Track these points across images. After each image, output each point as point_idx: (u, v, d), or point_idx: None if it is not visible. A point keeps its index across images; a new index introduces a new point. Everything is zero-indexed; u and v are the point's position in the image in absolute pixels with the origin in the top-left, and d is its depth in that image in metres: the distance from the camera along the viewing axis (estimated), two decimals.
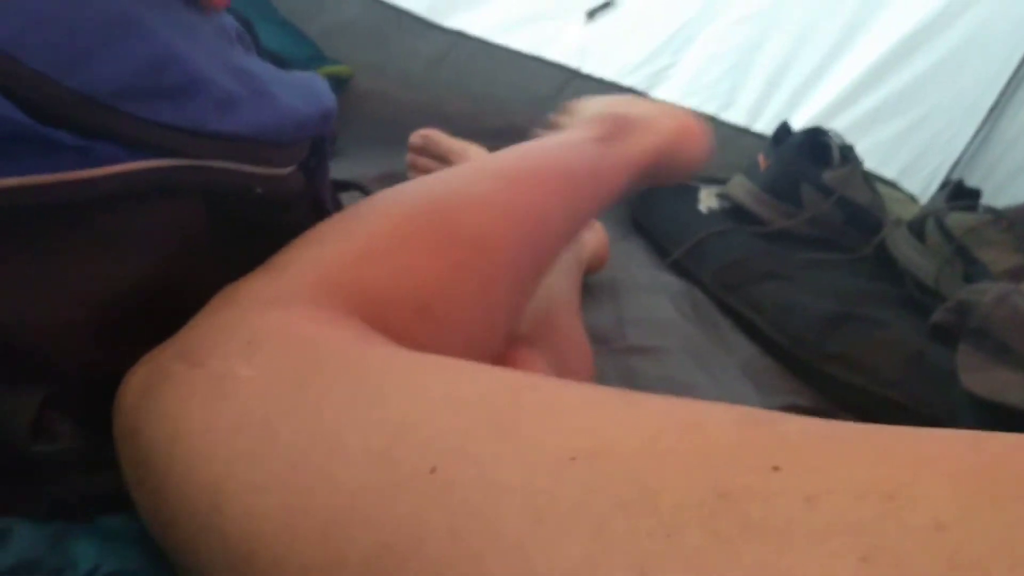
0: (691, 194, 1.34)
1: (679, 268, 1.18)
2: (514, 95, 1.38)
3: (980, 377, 0.88)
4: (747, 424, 0.24)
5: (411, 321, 0.41)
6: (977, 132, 1.67)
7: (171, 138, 0.37)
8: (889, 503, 0.19)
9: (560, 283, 0.79)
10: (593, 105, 0.79)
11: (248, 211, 0.44)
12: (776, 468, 0.21)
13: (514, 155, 0.59)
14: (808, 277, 1.14)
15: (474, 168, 0.58)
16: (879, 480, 0.20)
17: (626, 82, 1.46)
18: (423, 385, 0.30)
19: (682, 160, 0.77)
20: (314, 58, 1.18)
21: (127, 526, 0.37)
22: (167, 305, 0.40)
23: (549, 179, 0.56)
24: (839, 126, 1.39)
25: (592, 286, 0.99)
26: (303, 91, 0.46)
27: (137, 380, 0.35)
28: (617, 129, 0.68)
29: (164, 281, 0.39)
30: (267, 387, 0.31)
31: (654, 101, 0.75)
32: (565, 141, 0.65)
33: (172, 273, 0.40)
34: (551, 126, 0.82)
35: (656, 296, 1.04)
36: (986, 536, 0.17)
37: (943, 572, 0.17)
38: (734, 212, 1.30)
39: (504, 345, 0.52)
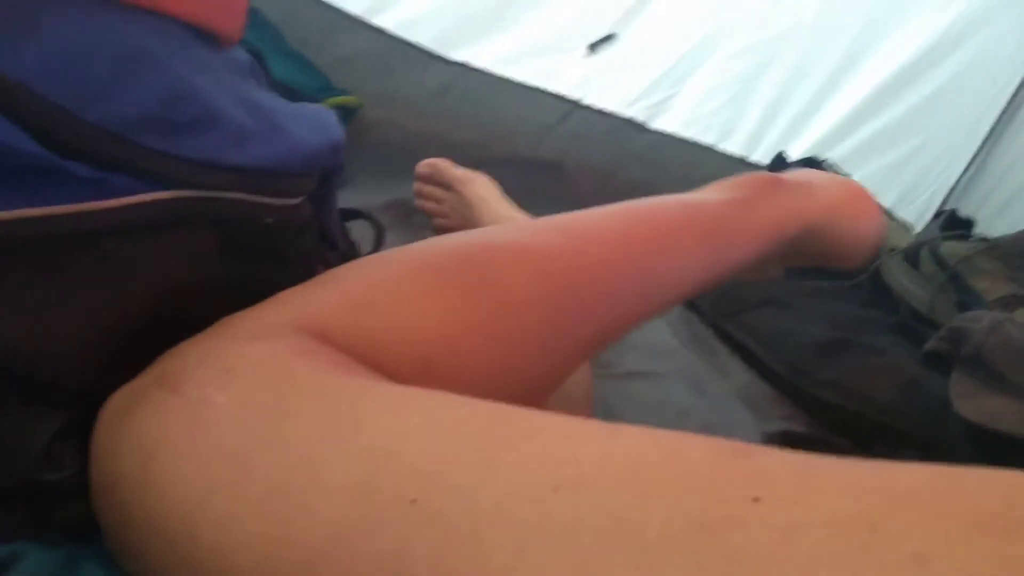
0: None
1: None
2: (518, 125, 1.39)
3: (973, 404, 0.89)
4: (727, 455, 0.24)
5: (409, 372, 0.38)
6: (971, 162, 1.68)
7: (186, 170, 0.38)
8: (869, 535, 0.19)
9: None
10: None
11: (258, 240, 0.45)
12: (756, 499, 0.21)
13: (595, 212, 0.50)
14: (804, 304, 1.14)
15: (530, 222, 0.50)
16: (859, 512, 0.20)
17: (627, 113, 1.48)
18: (401, 413, 0.29)
19: (846, 235, 0.67)
20: (323, 88, 1.20)
21: None
22: (177, 333, 0.41)
23: (623, 237, 0.49)
24: (835, 156, 1.41)
25: None
26: (313, 124, 0.47)
27: (115, 402, 0.34)
28: (763, 190, 0.61)
29: (174, 309, 0.40)
30: (243, 415, 0.30)
31: (825, 172, 0.69)
32: (684, 200, 0.56)
33: (182, 301, 0.41)
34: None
35: (654, 322, 1.05)
36: (962, 569, 0.18)
37: None
38: None
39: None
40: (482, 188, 1.04)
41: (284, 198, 0.44)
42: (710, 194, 0.59)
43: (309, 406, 0.30)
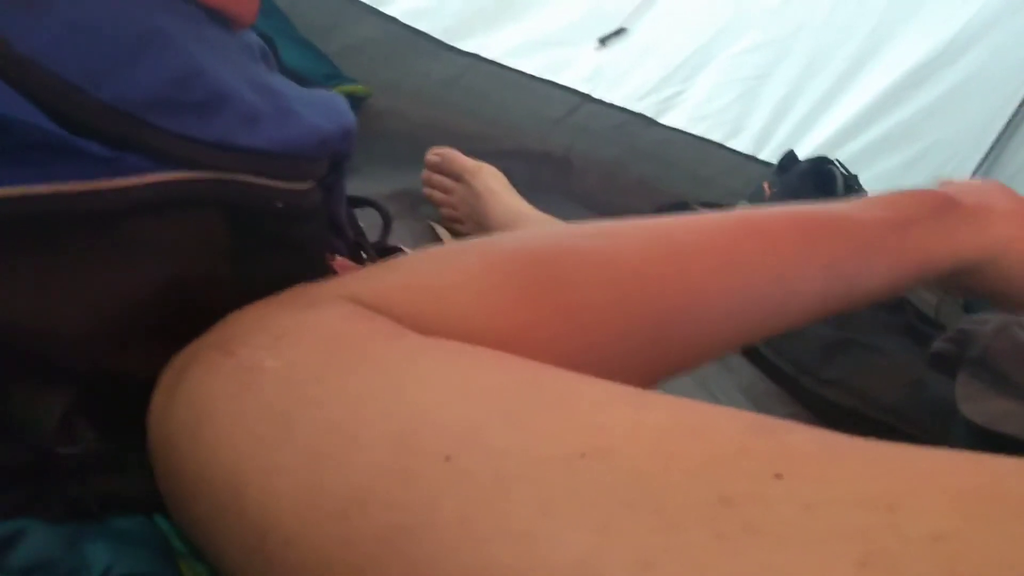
0: None
1: None
2: (526, 117, 1.39)
3: (979, 406, 0.89)
4: (752, 432, 0.25)
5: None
6: (980, 165, 1.68)
7: (198, 151, 0.38)
8: (889, 513, 0.20)
9: None
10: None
11: (267, 224, 0.45)
12: (778, 476, 0.22)
13: (701, 220, 0.46)
14: None
15: (614, 226, 0.46)
16: (880, 491, 0.20)
17: (636, 107, 1.47)
18: (441, 374, 0.30)
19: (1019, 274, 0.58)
20: (331, 76, 1.19)
21: (140, 528, 0.38)
22: (186, 314, 0.41)
23: (726, 254, 0.44)
24: (844, 156, 1.40)
25: None
26: (325, 109, 0.47)
27: (176, 362, 0.36)
28: (931, 212, 0.54)
29: (184, 291, 0.40)
30: (289, 377, 0.31)
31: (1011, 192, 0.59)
32: (821, 215, 0.49)
33: (192, 283, 0.41)
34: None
35: None
36: (985, 550, 0.18)
37: None
38: None
39: None
40: (491, 179, 1.03)
41: (294, 182, 0.44)
42: (863, 210, 0.51)
43: (352, 367, 0.31)
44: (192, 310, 0.41)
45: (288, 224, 0.47)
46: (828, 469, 0.22)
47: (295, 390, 0.31)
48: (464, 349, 0.33)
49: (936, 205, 0.54)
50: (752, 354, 1.07)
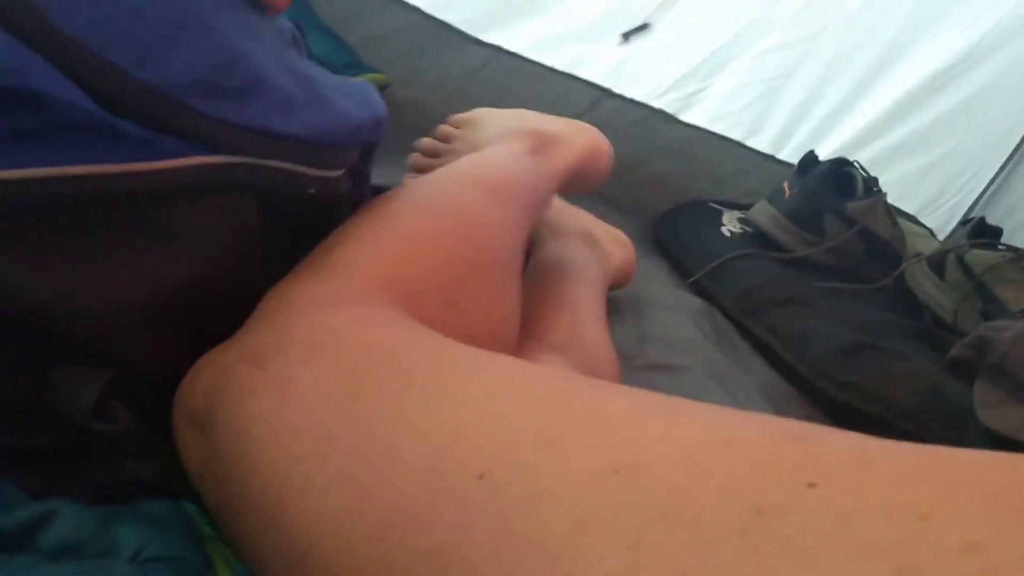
0: (714, 217, 1.35)
1: (700, 289, 1.19)
2: (546, 111, 1.36)
3: (998, 413, 0.89)
4: (784, 441, 0.24)
5: (443, 314, 0.44)
6: (999, 171, 1.67)
7: (234, 136, 0.37)
8: (923, 523, 0.19)
9: (586, 295, 0.80)
10: (498, 118, 0.82)
11: (298, 211, 0.45)
12: (811, 485, 0.22)
13: (486, 166, 0.65)
14: (828, 306, 1.14)
15: (462, 178, 0.60)
16: (914, 500, 0.20)
17: (656, 104, 1.47)
18: (472, 391, 0.30)
19: (593, 174, 0.82)
20: (352, 65, 1.19)
21: (168, 513, 0.38)
22: (219, 301, 0.41)
23: (517, 188, 0.62)
24: (863, 159, 1.39)
25: (614, 302, 0.99)
26: (358, 97, 0.47)
27: (204, 379, 0.36)
28: (542, 143, 0.73)
29: (217, 277, 0.40)
30: (325, 392, 0.32)
31: (552, 116, 0.82)
32: (512, 154, 0.70)
33: (225, 269, 0.41)
34: (439, 135, 0.86)
35: (677, 315, 1.05)
36: (1019, 558, 0.18)
37: None
38: (756, 237, 1.30)
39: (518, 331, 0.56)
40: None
41: (327, 170, 0.44)
42: (514, 147, 0.71)
43: (385, 382, 0.32)
44: (225, 298, 0.41)
45: (318, 210, 0.47)
46: (861, 477, 0.22)
47: (331, 407, 0.31)
48: (492, 362, 0.34)
49: (542, 138, 0.74)
50: (769, 354, 1.07)
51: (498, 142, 0.74)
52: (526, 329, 0.68)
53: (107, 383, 0.36)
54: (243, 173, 0.39)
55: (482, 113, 0.85)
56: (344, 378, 0.32)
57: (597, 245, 0.93)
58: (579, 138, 0.79)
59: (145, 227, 0.37)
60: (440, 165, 0.74)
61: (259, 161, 0.39)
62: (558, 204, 1.01)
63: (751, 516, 0.21)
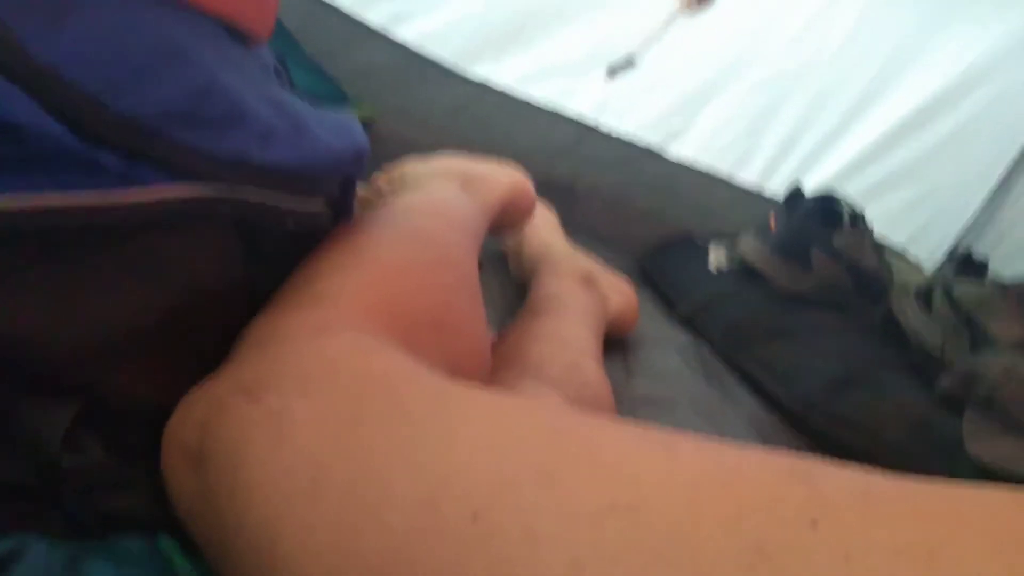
0: (700, 251, 1.35)
1: (687, 323, 1.19)
2: (532, 147, 1.39)
3: (987, 446, 0.88)
4: (786, 478, 0.24)
5: (430, 336, 0.44)
6: (985, 204, 1.68)
7: (211, 166, 0.37)
8: (927, 563, 0.19)
9: (584, 334, 0.79)
10: (424, 165, 0.83)
11: (280, 244, 0.44)
12: (814, 523, 0.21)
13: (434, 201, 0.68)
14: (816, 339, 1.14)
15: (417, 210, 0.62)
16: (918, 538, 0.20)
17: (642, 138, 1.48)
18: (469, 427, 0.30)
19: (518, 211, 0.85)
20: (337, 99, 1.19)
21: (142, 548, 0.37)
22: (199, 333, 0.40)
23: (464, 220, 0.65)
24: (850, 191, 1.40)
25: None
26: (339, 129, 0.47)
27: (197, 413, 0.36)
28: (469, 181, 0.75)
29: (195, 310, 0.40)
30: (321, 425, 0.31)
31: (475, 159, 0.85)
32: (446, 190, 0.72)
33: (203, 303, 0.40)
34: (373, 189, 0.87)
35: (664, 348, 1.04)
36: None
37: None
38: (743, 272, 1.30)
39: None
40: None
41: (306, 202, 0.44)
42: (448, 187, 0.74)
43: (381, 417, 0.31)
44: (205, 329, 0.41)
45: (301, 243, 0.47)
46: (865, 515, 0.21)
47: (326, 442, 0.31)
48: (490, 398, 0.33)
49: (469, 179, 0.76)
50: (757, 388, 1.06)
51: (428, 183, 0.76)
52: (522, 364, 0.68)
53: (77, 415, 0.35)
54: (222, 205, 0.38)
55: (410, 165, 0.85)
56: (340, 411, 0.32)
57: (596, 288, 0.93)
58: (503, 177, 0.81)
59: (123, 258, 0.36)
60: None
61: (237, 192, 0.39)
62: (561, 246, 1.03)
63: (752, 555, 0.21)
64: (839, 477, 0.24)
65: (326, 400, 0.33)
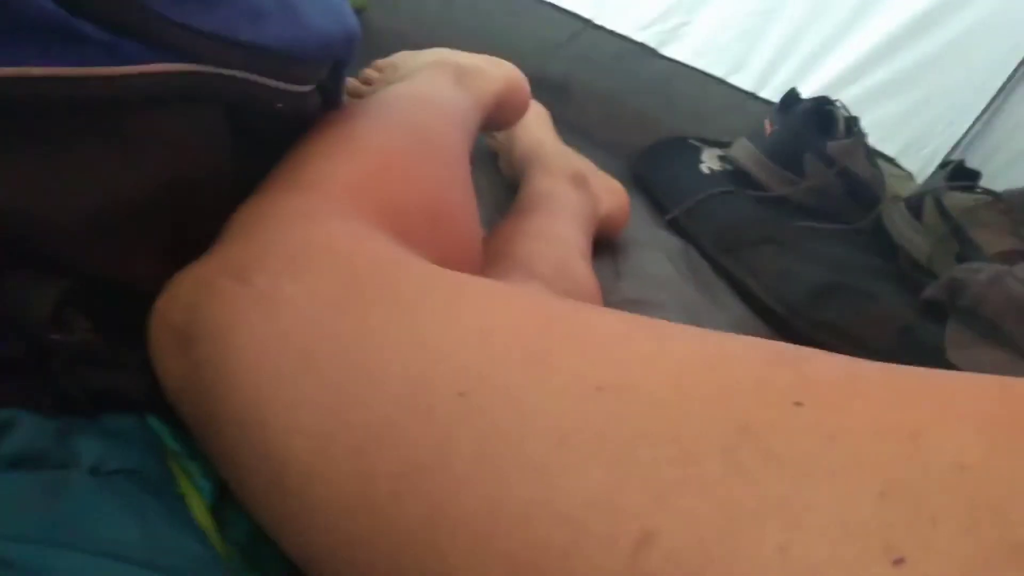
0: (694, 154, 1.34)
1: (677, 227, 1.18)
2: (526, 41, 1.36)
3: (968, 354, 0.89)
4: (772, 360, 0.24)
5: (425, 227, 0.43)
6: (980, 115, 1.66)
7: (198, 43, 0.36)
8: (911, 443, 0.19)
9: (574, 232, 0.79)
10: (416, 58, 0.81)
11: (268, 126, 0.44)
12: (799, 404, 0.21)
13: (425, 91, 0.65)
14: (804, 245, 1.14)
15: (409, 99, 0.61)
16: (902, 420, 0.20)
17: (638, 37, 1.45)
18: (458, 312, 0.30)
19: (512, 108, 0.83)
20: None
21: (131, 427, 0.37)
22: (187, 214, 0.40)
23: (455, 112, 0.63)
24: (846, 98, 1.38)
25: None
26: (330, 12, 0.45)
27: (185, 294, 0.35)
28: (462, 75, 0.72)
29: (182, 190, 0.39)
30: (311, 306, 0.31)
31: (469, 53, 0.81)
32: (438, 83, 0.69)
33: (191, 183, 0.40)
34: (363, 79, 0.86)
35: (653, 252, 1.04)
36: (1010, 480, 0.18)
37: (962, 511, 0.17)
38: (736, 175, 1.30)
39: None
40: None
41: (295, 84, 0.43)
42: (439, 79, 0.70)
43: (371, 301, 0.31)
44: (191, 212, 0.40)
45: (289, 127, 0.46)
46: (850, 397, 0.21)
47: (315, 323, 0.31)
48: (481, 283, 0.33)
49: (461, 71, 0.72)
50: (744, 293, 1.07)
51: (419, 74, 0.73)
52: (511, 261, 0.68)
53: (65, 292, 0.35)
54: (209, 83, 0.38)
55: (401, 55, 0.84)
56: (330, 293, 0.32)
57: (587, 188, 0.93)
58: (497, 71, 0.79)
59: (110, 136, 0.36)
60: None
61: (226, 71, 0.38)
62: (553, 144, 1.02)
63: (736, 433, 0.21)
64: (825, 362, 0.24)
65: (315, 282, 0.32)
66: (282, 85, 0.42)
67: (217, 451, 0.33)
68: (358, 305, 0.31)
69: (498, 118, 0.81)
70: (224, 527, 0.35)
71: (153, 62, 0.35)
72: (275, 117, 0.43)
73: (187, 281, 0.36)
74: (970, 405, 0.20)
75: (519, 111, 0.85)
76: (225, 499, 0.36)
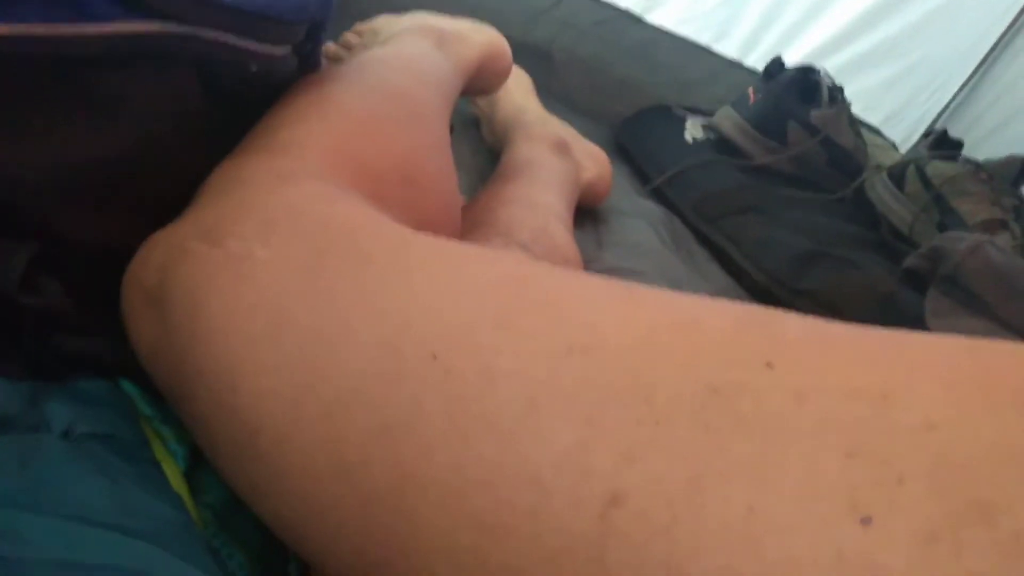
0: (677, 123, 1.33)
1: (660, 195, 1.18)
2: (508, 6, 1.35)
3: (947, 323, 0.90)
4: (744, 322, 0.24)
5: (400, 191, 0.43)
6: (964, 85, 1.67)
7: (170, 1, 0.35)
8: (880, 403, 0.19)
9: (555, 199, 0.79)
10: (396, 22, 0.80)
11: (241, 89, 0.43)
12: (769, 365, 0.21)
13: (404, 56, 0.65)
14: (786, 214, 1.14)
15: (388, 65, 0.60)
16: (872, 381, 0.20)
17: (622, 4, 1.44)
18: (430, 275, 0.30)
19: (493, 74, 0.81)
20: None
21: (104, 391, 0.37)
22: (160, 178, 0.39)
23: (435, 76, 0.62)
24: (830, 67, 1.38)
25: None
26: None
27: (157, 256, 0.35)
28: (443, 39, 0.71)
29: (154, 152, 0.39)
30: (282, 270, 0.31)
31: (450, 17, 0.80)
32: (419, 46, 0.69)
33: (163, 145, 0.39)
34: (343, 43, 0.84)
35: (635, 221, 1.04)
36: (977, 438, 0.18)
37: (930, 470, 0.17)
38: (719, 144, 1.29)
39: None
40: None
41: (270, 45, 0.42)
42: (420, 42, 0.70)
43: (344, 264, 0.31)
44: (164, 176, 0.40)
45: (265, 90, 0.45)
46: (821, 358, 0.21)
47: (287, 286, 0.30)
48: (454, 247, 0.33)
49: (443, 35, 0.71)
50: (726, 262, 1.07)
51: (399, 38, 0.72)
52: (491, 226, 0.67)
53: (36, 255, 0.34)
54: (181, 43, 0.37)
55: (382, 19, 0.83)
56: (302, 256, 0.32)
57: (569, 155, 0.92)
58: (479, 36, 0.77)
59: (78, 95, 0.35)
60: None
61: (197, 31, 0.37)
62: (535, 111, 1.01)
63: (706, 394, 0.21)
64: (796, 323, 0.24)
65: (288, 245, 0.32)
66: (256, 47, 0.41)
67: (190, 415, 0.33)
68: (329, 269, 0.31)
69: (479, 84, 0.80)
70: (198, 492, 0.35)
71: (122, 20, 0.34)
72: (251, 80, 0.43)
73: (159, 244, 0.36)
74: (940, 366, 0.20)
75: (501, 77, 0.84)
76: (200, 464, 0.36)
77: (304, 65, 0.48)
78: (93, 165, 0.36)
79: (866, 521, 0.17)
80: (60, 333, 0.37)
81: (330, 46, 0.86)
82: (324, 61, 0.79)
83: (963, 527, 0.16)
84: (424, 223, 0.38)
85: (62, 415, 0.33)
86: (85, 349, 0.37)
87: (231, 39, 0.39)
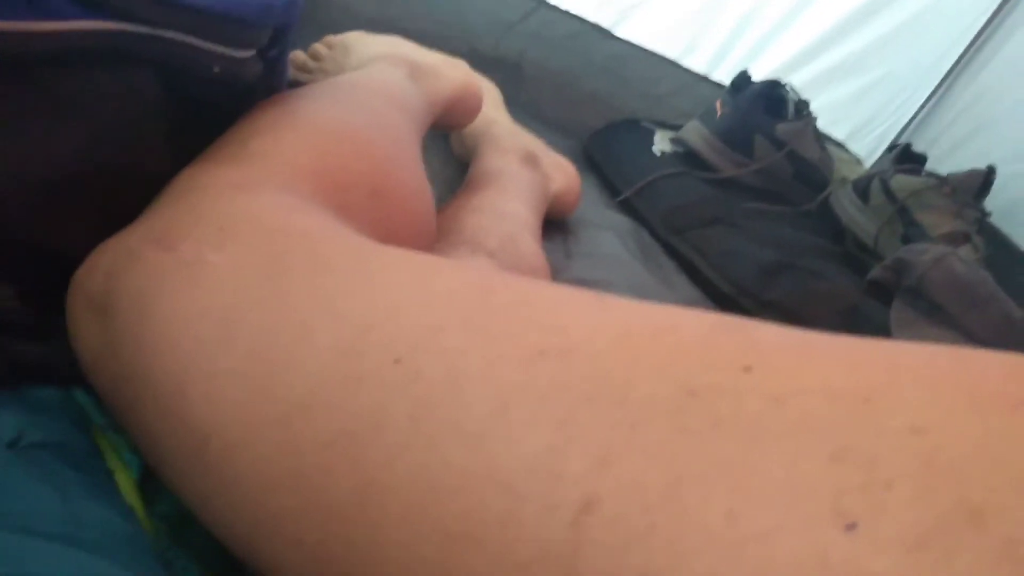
0: (646, 136, 1.34)
1: (629, 207, 1.18)
2: (479, 19, 1.35)
3: (911, 333, 0.90)
4: (720, 328, 0.23)
5: (365, 202, 0.42)
6: (927, 101, 1.69)
7: (130, 1, 0.35)
8: (863, 406, 0.19)
9: (523, 209, 0.79)
10: (370, 44, 0.80)
11: (204, 93, 0.42)
12: (747, 368, 0.21)
13: (379, 81, 0.65)
14: (753, 226, 1.14)
15: (361, 87, 0.60)
16: (855, 384, 0.19)
17: (591, 18, 1.44)
18: (392, 280, 0.29)
19: (463, 112, 0.82)
20: None
21: (55, 400, 0.36)
22: (118, 182, 0.38)
23: (408, 104, 0.62)
24: (797, 81, 1.39)
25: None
26: None
27: (104, 261, 0.34)
28: (417, 72, 0.71)
29: (115, 156, 0.38)
30: (236, 275, 0.30)
31: (426, 49, 0.81)
32: (393, 75, 0.68)
33: (124, 149, 0.38)
34: (311, 53, 0.84)
35: (604, 233, 1.04)
36: (964, 441, 0.17)
37: (918, 475, 0.17)
38: (687, 157, 1.30)
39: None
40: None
41: (233, 48, 0.41)
42: (394, 71, 0.70)
43: (301, 268, 0.30)
44: (122, 180, 0.39)
45: (229, 95, 0.45)
46: (800, 362, 0.21)
47: (241, 290, 0.29)
48: (417, 256, 0.32)
49: (417, 68, 0.72)
50: (693, 273, 1.07)
51: (373, 65, 0.72)
52: (458, 235, 0.67)
53: None
54: (139, 43, 0.36)
55: (354, 36, 0.82)
56: (258, 261, 0.31)
57: (538, 167, 0.92)
58: (453, 73, 0.78)
59: (34, 95, 0.34)
60: (310, 82, 0.73)
61: (156, 31, 0.37)
62: (504, 123, 1.01)
63: (682, 397, 0.20)
64: (773, 330, 0.23)
65: (241, 251, 0.31)
66: (219, 48, 0.40)
67: (135, 425, 0.32)
68: (285, 274, 0.30)
69: (449, 120, 0.80)
70: (152, 502, 0.34)
71: (78, 19, 0.33)
72: (216, 85, 0.42)
73: (107, 250, 0.35)
74: (923, 369, 0.20)
75: (470, 115, 0.84)
76: (154, 474, 0.35)
77: (270, 71, 0.48)
78: (49, 166, 0.35)
79: (851, 526, 0.17)
80: (10, 339, 0.36)
81: (298, 54, 0.85)
82: (291, 69, 0.78)
83: (952, 532, 0.16)
84: (393, 237, 0.38)
85: (9, 424, 0.32)
86: (37, 356, 0.36)
87: (192, 40, 0.38)
